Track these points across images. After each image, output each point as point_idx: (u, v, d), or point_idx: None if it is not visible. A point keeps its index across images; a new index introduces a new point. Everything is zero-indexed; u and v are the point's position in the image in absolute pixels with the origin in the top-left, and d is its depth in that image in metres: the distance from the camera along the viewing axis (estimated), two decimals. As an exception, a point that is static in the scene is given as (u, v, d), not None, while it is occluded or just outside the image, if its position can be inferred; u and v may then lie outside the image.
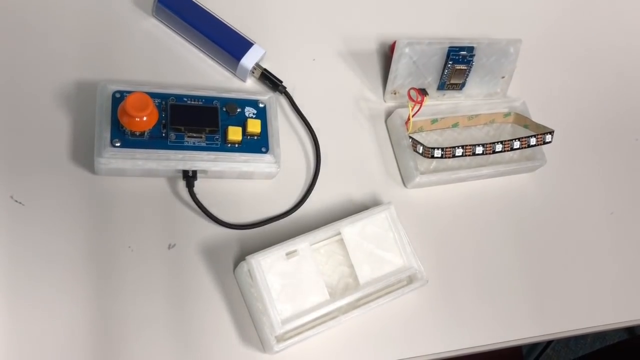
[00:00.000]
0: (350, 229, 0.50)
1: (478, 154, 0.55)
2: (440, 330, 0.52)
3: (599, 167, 0.64)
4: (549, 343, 1.12)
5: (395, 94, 0.59)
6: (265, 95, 0.52)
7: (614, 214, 0.62)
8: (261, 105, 0.51)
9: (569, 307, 0.56)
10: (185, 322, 0.46)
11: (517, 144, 0.56)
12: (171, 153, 0.47)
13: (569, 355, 1.35)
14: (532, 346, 1.11)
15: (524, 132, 0.59)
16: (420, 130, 0.58)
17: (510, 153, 0.60)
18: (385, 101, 0.59)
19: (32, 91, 0.49)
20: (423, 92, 0.57)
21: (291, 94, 0.55)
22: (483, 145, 0.55)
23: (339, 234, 0.50)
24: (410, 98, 0.56)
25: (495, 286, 0.55)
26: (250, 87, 0.55)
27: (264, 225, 0.50)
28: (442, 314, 0.52)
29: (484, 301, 0.54)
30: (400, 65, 0.57)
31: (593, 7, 0.72)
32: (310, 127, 0.54)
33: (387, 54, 0.60)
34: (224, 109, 0.50)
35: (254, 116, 0.51)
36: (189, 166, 0.48)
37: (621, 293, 0.59)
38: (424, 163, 0.57)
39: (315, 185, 0.53)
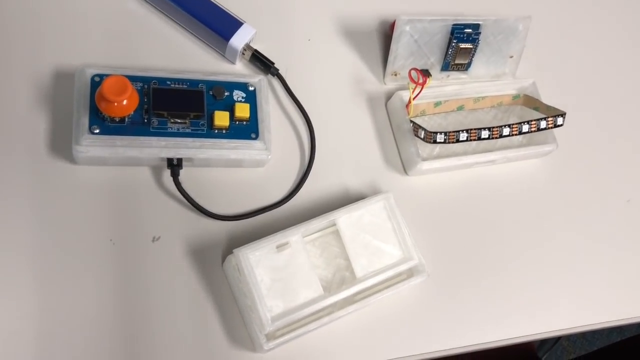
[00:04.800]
0: (346, 219, 0.47)
1: (484, 139, 0.51)
2: (443, 326, 0.49)
3: (614, 151, 0.60)
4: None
5: (395, 75, 0.55)
6: (255, 78, 0.49)
7: (631, 201, 0.58)
8: (251, 88, 0.48)
9: (583, 301, 0.53)
10: (170, 320, 0.43)
11: (525, 128, 0.52)
12: (154, 140, 0.44)
13: (585, 346, 1.31)
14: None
15: (534, 115, 0.55)
16: (423, 113, 0.55)
17: (519, 137, 0.56)
18: (385, 83, 0.56)
19: (8, 79, 0.46)
20: (426, 73, 0.53)
21: (284, 76, 0.52)
22: (489, 129, 0.51)
23: (334, 225, 0.47)
24: (411, 79, 0.52)
25: (503, 280, 0.51)
26: (240, 69, 0.52)
27: (254, 216, 0.47)
28: (445, 310, 0.49)
29: (491, 295, 0.51)
30: (400, 45, 0.53)
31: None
32: (305, 111, 0.51)
33: (387, 33, 0.57)
34: (211, 93, 0.47)
35: (242, 100, 0.47)
36: (173, 154, 0.45)
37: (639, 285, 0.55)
38: (427, 149, 0.53)
39: (310, 174, 0.50)
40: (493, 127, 0.51)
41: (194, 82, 0.47)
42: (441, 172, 0.54)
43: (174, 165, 0.45)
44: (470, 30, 0.54)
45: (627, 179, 0.59)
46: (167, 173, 0.46)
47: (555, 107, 0.54)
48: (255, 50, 0.51)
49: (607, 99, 0.62)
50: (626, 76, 0.64)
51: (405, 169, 0.53)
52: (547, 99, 0.56)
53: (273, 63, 0.51)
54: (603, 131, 0.61)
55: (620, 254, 0.56)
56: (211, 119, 0.46)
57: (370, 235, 0.47)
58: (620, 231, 0.57)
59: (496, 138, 0.51)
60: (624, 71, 0.64)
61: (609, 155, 0.60)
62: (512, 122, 0.52)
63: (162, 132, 0.45)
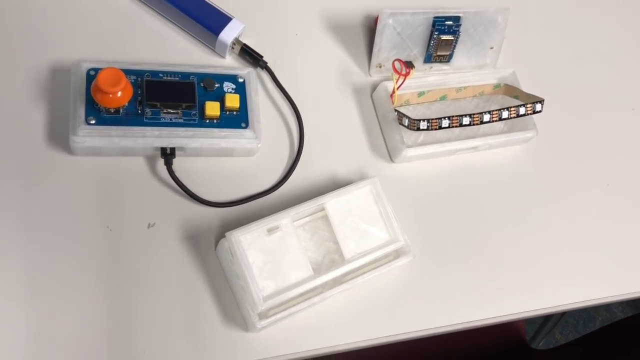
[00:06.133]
0: (335, 204, 0.49)
1: (465, 125, 0.53)
2: (429, 306, 0.51)
3: (593, 137, 0.62)
4: (554, 325, 1.11)
5: (380, 67, 0.57)
6: (244, 70, 0.51)
7: (610, 185, 0.60)
8: (240, 80, 0.50)
9: (566, 280, 0.55)
10: (166, 303, 0.45)
11: (505, 114, 0.54)
12: (147, 130, 0.46)
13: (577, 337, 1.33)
14: (537, 329, 1.09)
15: (514, 103, 0.57)
16: (407, 103, 0.57)
17: (501, 124, 0.58)
18: (370, 75, 0.58)
19: (6, 74, 0.48)
20: (409, 64, 0.55)
21: (273, 69, 0.54)
22: (470, 115, 0.53)
23: (323, 209, 0.49)
24: (395, 70, 0.54)
25: (487, 261, 0.53)
26: (230, 63, 0.54)
27: (245, 202, 0.49)
28: (431, 290, 0.51)
29: (475, 277, 0.52)
30: (384, 38, 0.55)
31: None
32: (293, 102, 0.53)
33: (372, 27, 0.59)
34: (202, 85, 0.49)
35: (232, 91, 0.49)
36: (166, 143, 0.47)
37: (619, 266, 0.57)
38: (411, 136, 0.55)
39: (299, 162, 0.52)
40: (474, 114, 0.53)
41: (185, 75, 0.49)
42: (425, 158, 0.56)
43: (167, 155, 0.47)
44: (451, 22, 0.56)
45: (606, 164, 0.61)
46: (160, 162, 0.48)
47: (535, 94, 0.56)
48: (244, 44, 0.53)
49: (584, 87, 0.64)
50: (602, 64, 0.66)
51: (391, 157, 0.55)
52: (526, 88, 0.58)
53: (262, 56, 0.53)
54: (581, 118, 0.63)
55: (600, 235, 0.58)
56: (202, 109, 0.48)
57: (358, 219, 0.49)
58: (600, 213, 0.59)
59: (477, 124, 0.53)
60: (600, 59, 0.66)
61: (588, 141, 0.62)
62: (492, 109, 0.54)
63: (155, 122, 0.47)
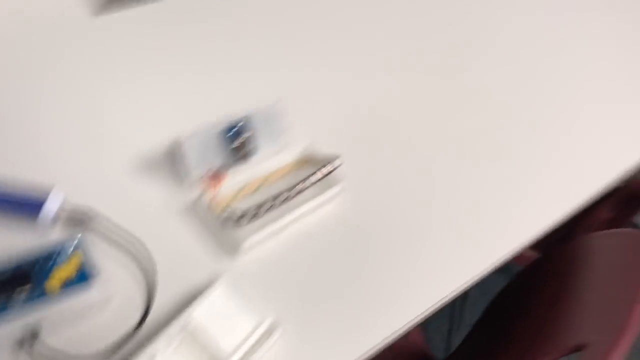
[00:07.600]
0: (199, 313, 0.53)
1: (285, 201, 0.61)
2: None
3: (387, 168, 0.73)
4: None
5: (195, 184, 0.64)
6: (74, 235, 0.55)
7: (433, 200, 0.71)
8: (72, 245, 0.54)
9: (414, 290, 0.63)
10: None
11: (314, 178, 0.64)
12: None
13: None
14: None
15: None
16: (231, 202, 0.64)
17: (315, 188, 0.67)
18: (190, 192, 0.64)
19: None
20: (220, 171, 0.63)
21: (100, 219, 0.58)
22: (287, 190, 0.61)
23: (191, 322, 0.53)
24: (208, 183, 0.62)
25: (349, 298, 0.60)
26: (58, 232, 0.58)
27: (120, 349, 0.52)
28: (310, 350, 0.56)
29: (346, 316, 0.59)
30: (189, 158, 0.63)
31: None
32: (133, 238, 0.58)
33: (178, 152, 0.66)
34: (36, 267, 0.52)
35: (67, 259, 0.53)
36: (22, 329, 0.49)
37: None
38: (244, 230, 0.62)
39: (156, 291, 0.56)
40: (290, 188, 0.62)
41: (16, 266, 0.52)
42: (264, 241, 0.62)
43: (29, 339, 0.49)
44: (237, 128, 0.65)
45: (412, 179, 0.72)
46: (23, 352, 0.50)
47: (331, 154, 0.66)
48: (67, 210, 0.57)
49: (370, 132, 0.76)
50: (376, 107, 0.79)
51: (233, 253, 0.61)
52: (324, 148, 0.68)
53: (87, 213, 0.58)
54: (373, 159, 0.74)
55: (441, 230, 0.67)
56: (43, 287, 0.51)
57: (224, 318, 0.54)
58: (429, 218, 0.68)
59: (296, 196, 0.62)
60: (375, 105, 0.79)
61: (384, 172, 0.73)
62: (300, 179, 0.63)
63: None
